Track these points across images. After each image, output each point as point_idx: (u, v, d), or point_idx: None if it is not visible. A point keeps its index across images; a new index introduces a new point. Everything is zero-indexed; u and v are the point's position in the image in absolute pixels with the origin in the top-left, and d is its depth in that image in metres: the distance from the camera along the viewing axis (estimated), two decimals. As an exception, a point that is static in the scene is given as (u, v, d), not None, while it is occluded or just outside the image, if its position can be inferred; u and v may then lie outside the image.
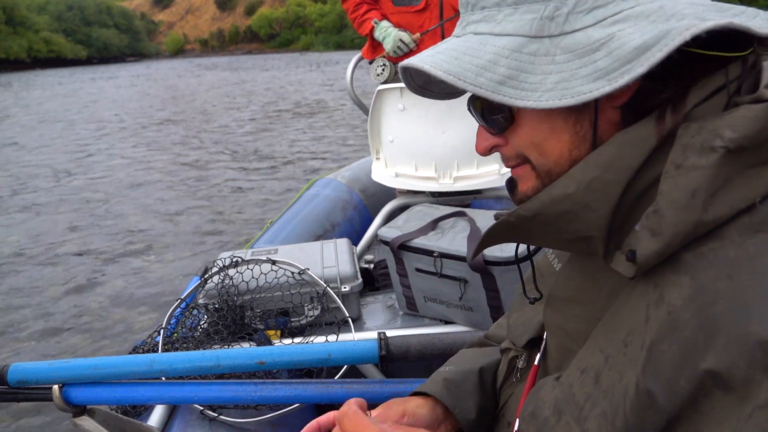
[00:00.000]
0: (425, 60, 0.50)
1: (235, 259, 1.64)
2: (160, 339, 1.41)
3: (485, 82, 0.47)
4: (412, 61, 0.51)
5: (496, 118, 0.53)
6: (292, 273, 1.59)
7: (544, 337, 0.65)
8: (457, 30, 0.54)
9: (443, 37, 2.44)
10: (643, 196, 0.46)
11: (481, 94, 0.47)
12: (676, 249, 0.42)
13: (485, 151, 0.57)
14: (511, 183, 0.59)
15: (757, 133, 0.41)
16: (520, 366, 0.68)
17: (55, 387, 1.07)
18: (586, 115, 0.49)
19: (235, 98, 16.16)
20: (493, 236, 0.54)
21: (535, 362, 0.64)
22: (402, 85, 1.98)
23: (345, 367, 1.39)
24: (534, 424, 0.51)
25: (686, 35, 0.40)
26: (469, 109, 0.57)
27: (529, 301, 0.68)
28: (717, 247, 0.41)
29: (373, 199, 2.73)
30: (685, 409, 0.39)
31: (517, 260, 0.69)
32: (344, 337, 1.51)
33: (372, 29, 2.46)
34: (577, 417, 0.46)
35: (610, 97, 0.46)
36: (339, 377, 1.39)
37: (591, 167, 0.47)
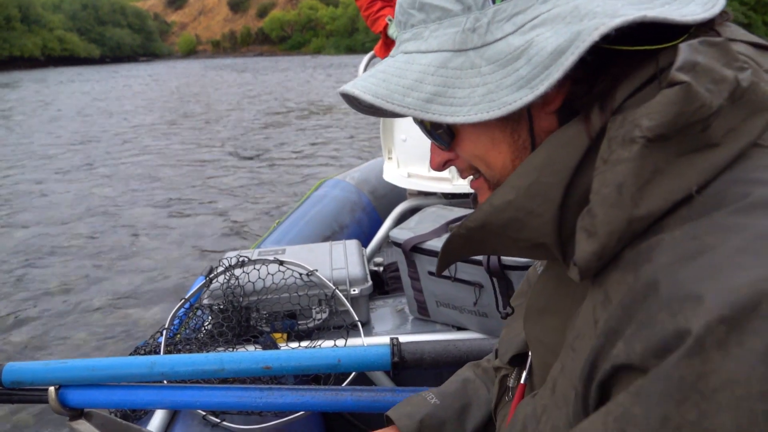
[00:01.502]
0: (357, 85, 0.50)
1: (241, 259, 1.59)
2: (162, 340, 1.37)
3: (413, 102, 0.46)
4: (345, 87, 0.51)
5: (439, 134, 0.53)
6: (300, 274, 1.55)
7: (529, 353, 0.63)
8: (392, 51, 0.54)
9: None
10: (587, 199, 0.43)
11: (410, 114, 0.46)
12: (617, 248, 0.40)
13: (439, 167, 0.57)
14: (475, 197, 0.59)
15: (674, 118, 0.38)
16: (510, 385, 0.66)
17: (51, 389, 1.03)
18: (522, 124, 0.48)
19: (245, 99, 16.22)
20: (451, 251, 0.53)
21: (522, 380, 0.62)
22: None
23: (353, 373, 1.34)
24: None
25: (594, 36, 0.39)
26: (418, 126, 0.57)
27: (500, 316, 0.66)
28: (655, 242, 0.39)
29: (383, 201, 2.69)
30: (600, 402, 0.38)
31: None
32: (353, 341, 1.46)
33: (386, 26, 2.42)
34: (535, 430, 0.46)
35: (542, 104, 0.46)
36: (347, 384, 1.34)
37: (527, 172, 0.46)
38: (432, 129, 0.53)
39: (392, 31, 2.42)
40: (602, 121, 0.43)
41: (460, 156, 0.54)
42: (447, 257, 0.55)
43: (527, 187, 0.45)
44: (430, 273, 1.51)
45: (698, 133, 0.39)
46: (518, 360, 0.65)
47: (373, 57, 2.61)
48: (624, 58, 0.43)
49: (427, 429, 0.74)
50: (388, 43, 2.51)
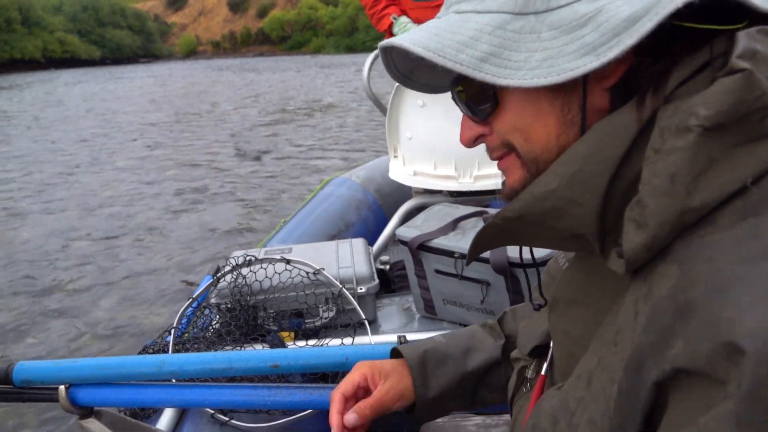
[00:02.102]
0: (405, 38, 0.48)
1: (248, 258, 1.59)
2: (170, 339, 1.37)
3: (466, 58, 0.44)
4: (392, 40, 0.49)
5: (479, 103, 0.51)
6: (307, 273, 1.55)
7: (551, 344, 0.62)
8: (440, 13, 0.52)
9: (464, 33, 2.39)
10: (633, 189, 0.43)
11: (462, 71, 0.45)
12: (667, 240, 0.39)
13: (469, 142, 0.55)
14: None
15: (732, 107, 0.37)
16: (529, 376, 0.66)
17: (62, 387, 1.03)
18: (575, 98, 0.46)
19: (247, 99, 16.22)
20: (484, 241, 0.53)
21: (542, 372, 0.62)
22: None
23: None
24: None
25: (678, 2, 0.37)
26: (453, 98, 0.55)
27: (533, 308, 0.66)
28: (706, 233, 0.38)
29: (388, 199, 2.68)
30: (656, 401, 0.37)
31: (535, 263, 0.67)
32: (360, 339, 1.46)
33: (391, 25, 2.42)
34: (569, 423, 0.44)
35: (599, 77, 0.45)
36: (355, 382, 1.34)
37: (572, 160, 0.45)
38: (470, 99, 0.51)
39: (397, 29, 2.42)
40: (653, 106, 0.42)
41: (496, 130, 0.51)
42: (478, 247, 0.53)
43: (571, 176, 0.44)
44: (437, 271, 1.50)
45: (756, 123, 0.38)
46: (539, 351, 0.65)
47: (378, 56, 2.61)
48: (684, 40, 0.42)
49: (430, 360, 0.75)
50: (393, 42, 2.51)
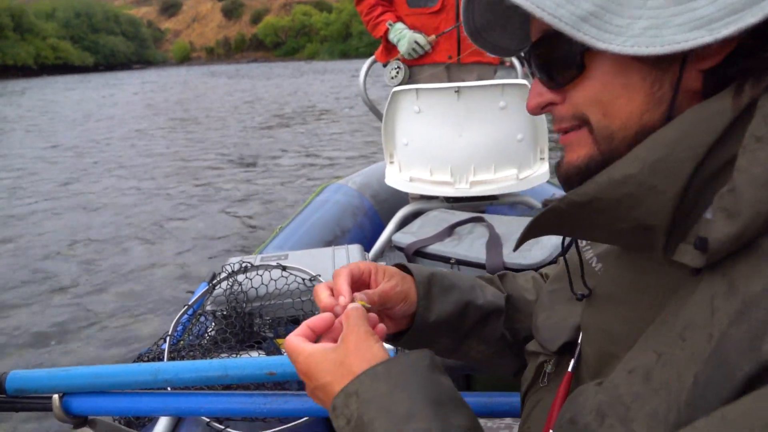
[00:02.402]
0: None
1: (244, 265, 1.58)
2: (165, 347, 1.35)
3: (566, 14, 0.41)
4: None
5: (561, 68, 0.47)
6: (303, 279, 1.54)
7: (579, 341, 0.60)
8: None
9: (459, 39, 2.40)
10: (714, 179, 0.41)
11: (559, 28, 0.41)
12: (756, 233, 0.37)
13: (537, 109, 0.51)
14: (558, 165, 0.53)
15: None
16: (548, 371, 0.64)
17: (55, 396, 1.01)
18: (668, 75, 0.43)
19: (242, 105, 16.20)
20: (539, 227, 0.50)
21: (569, 369, 0.60)
22: (418, 86, 1.94)
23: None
24: (573, 431, 0.46)
25: None
26: (525, 59, 0.52)
27: (576, 298, 0.62)
28: None
29: (385, 205, 2.68)
30: (743, 393, 0.35)
31: (564, 252, 0.63)
32: (357, 346, 1.44)
33: (386, 31, 2.43)
34: (623, 417, 0.42)
35: (699, 57, 0.42)
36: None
37: (657, 146, 0.42)
38: (554, 61, 0.47)
39: (392, 36, 2.43)
40: (752, 95, 0.40)
41: (571, 100, 0.48)
42: (531, 234, 0.51)
43: (655, 161, 0.41)
44: (434, 276, 1.50)
45: None
46: (563, 348, 0.62)
47: (374, 62, 2.62)
48: None
49: (437, 284, 0.71)
50: (389, 48, 2.52)
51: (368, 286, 0.68)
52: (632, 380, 0.43)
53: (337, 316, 0.59)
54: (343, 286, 0.62)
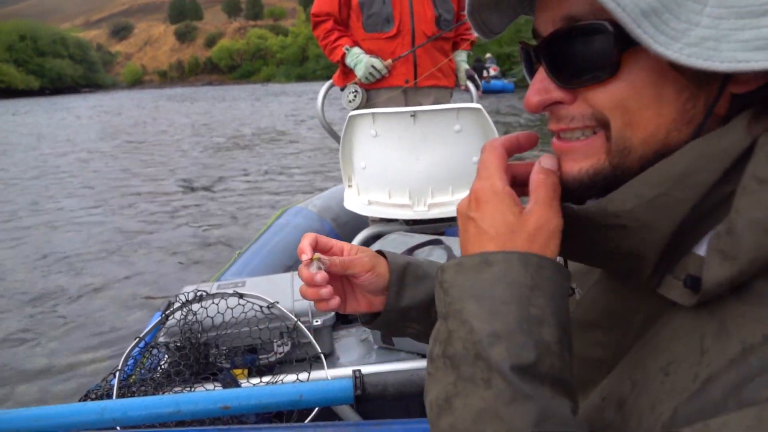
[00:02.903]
0: None
1: (199, 293, 1.53)
2: (115, 382, 1.29)
3: (630, 5, 0.36)
4: None
5: (591, 65, 0.41)
6: (261, 307, 1.50)
7: None
8: None
9: (415, 64, 2.44)
10: (709, 214, 0.40)
11: (621, 19, 0.36)
12: (751, 277, 0.36)
13: (539, 107, 0.45)
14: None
15: None
16: None
17: (-9, 442, 0.94)
18: (703, 93, 0.40)
19: (195, 128, 15.93)
20: None
21: None
22: (374, 110, 1.95)
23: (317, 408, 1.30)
24: None
25: None
26: (529, 50, 0.47)
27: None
28: None
29: (346, 228, 2.67)
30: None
31: None
32: (317, 374, 1.41)
33: (343, 56, 2.45)
34: None
35: (739, 80, 0.39)
36: (312, 419, 1.30)
37: (657, 182, 0.39)
38: (584, 57, 0.41)
39: (349, 60, 2.45)
40: (759, 131, 0.39)
41: (588, 99, 0.43)
42: None
43: (653, 199, 0.39)
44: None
45: None
46: None
47: (332, 86, 2.63)
48: None
49: (411, 272, 0.69)
50: (346, 72, 2.53)
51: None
52: (605, 408, 0.43)
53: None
54: (305, 243, 0.65)
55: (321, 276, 0.62)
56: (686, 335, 0.40)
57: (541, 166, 0.46)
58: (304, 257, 0.63)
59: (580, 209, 0.43)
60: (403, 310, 0.69)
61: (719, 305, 0.38)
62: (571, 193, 0.46)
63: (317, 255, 0.64)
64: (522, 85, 23.61)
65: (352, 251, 0.68)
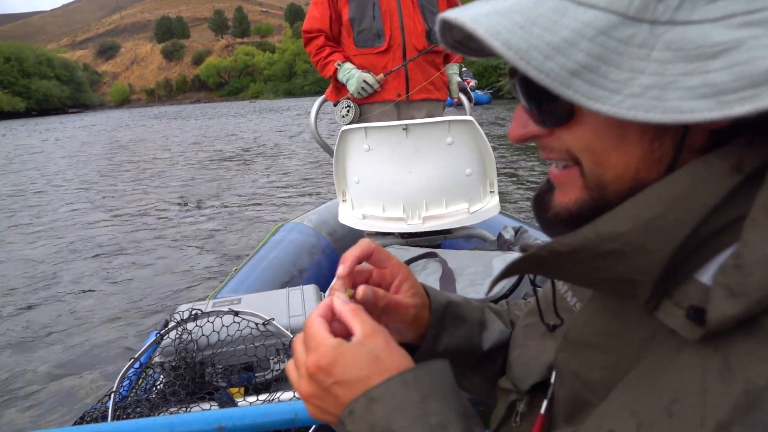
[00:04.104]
0: (481, 21, 0.37)
1: (194, 312, 1.51)
2: (110, 404, 1.26)
3: (555, 69, 0.35)
4: (462, 18, 0.38)
5: (549, 111, 0.42)
6: (256, 324, 1.48)
7: (552, 381, 0.58)
8: None
9: (407, 78, 2.46)
10: (711, 240, 0.39)
11: (547, 85, 0.35)
12: (757, 313, 0.35)
13: (520, 139, 0.46)
14: (540, 198, 0.49)
15: None
16: (521, 410, 0.61)
17: (-16, 471, 0.92)
18: (670, 134, 0.39)
19: (184, 146, 15.88)
20: (516, 271, 0.46)
21: (542, 410, 0.57)
22: (366, 125, 1.96)
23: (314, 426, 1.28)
24: None
25: None
26: (512, 83, 0.46)
27: (548, 328, 0.59)
28: None
29: (342, 242, 2.66)
30: None
31: (534, 282, 0.60)
32: (316, 391, 1.39)
33: (335, 71, 2.46)
34: None
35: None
36: (309, 437, 1.28)
37: (653, 204, 0.38)
38: (542, 98, 0.42)
39: (341, 75, 2.46)
40: (759, 160, 0.37)
41: (562, 138, 0.43)
42: (509, 275, 0.47)
43: (648, 221, 0.38)
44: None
45: None
46: (535, 387, 0.60)
47: (325, 101, 2.64)
48: None
49: (450, 314, 0.66)
50: (339, 87, 2.54)
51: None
52: None
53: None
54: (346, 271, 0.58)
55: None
56: (686, 369, 0.38)
57: (335, 298, 0.52)
58: (341, 269, 0.57)
59: (574, 235, 0.42)
60: (438, 354, 0.66)
61: (723, 338, 0.36)
62: (563, 223, 0.46)
63: (350, 291, 0.56)
64: (497, 97, 24.52)
65: (402, 286, 0.63)
